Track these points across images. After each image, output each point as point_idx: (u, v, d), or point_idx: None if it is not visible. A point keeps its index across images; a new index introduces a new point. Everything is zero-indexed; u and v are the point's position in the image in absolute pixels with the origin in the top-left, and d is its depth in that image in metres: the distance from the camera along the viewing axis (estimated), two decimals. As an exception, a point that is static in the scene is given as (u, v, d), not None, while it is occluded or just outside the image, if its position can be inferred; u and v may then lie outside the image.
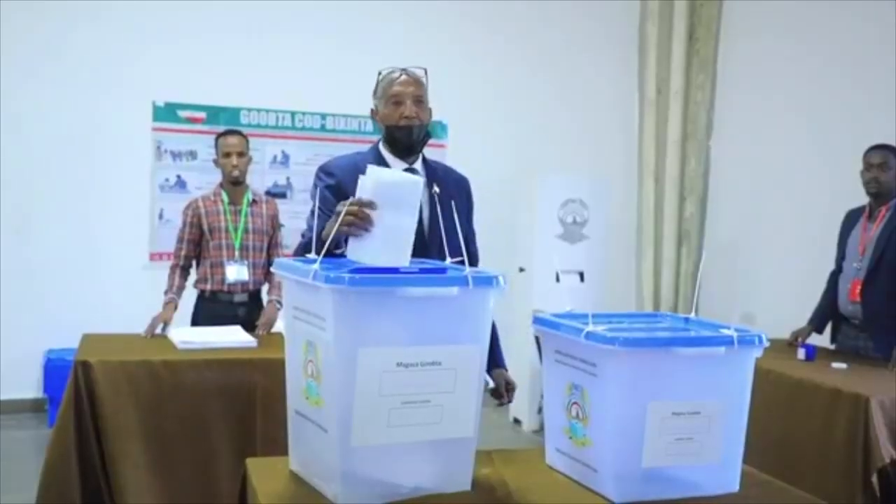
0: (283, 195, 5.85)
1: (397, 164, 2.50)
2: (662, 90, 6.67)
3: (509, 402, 2.62)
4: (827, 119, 5.44)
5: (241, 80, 5.91)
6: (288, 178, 6.08)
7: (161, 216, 5.83)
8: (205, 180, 5.72)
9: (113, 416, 3.14)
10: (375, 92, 2.53)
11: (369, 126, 6.19)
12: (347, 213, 1.93)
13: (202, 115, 5.90)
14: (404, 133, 2.47)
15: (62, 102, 5.60)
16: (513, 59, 6.48)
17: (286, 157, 6.08)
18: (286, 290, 1.97)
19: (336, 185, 2.43)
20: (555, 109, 6.58)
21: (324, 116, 6.16)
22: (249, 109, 5.99)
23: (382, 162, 2.50)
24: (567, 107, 6.62)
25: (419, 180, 1.98)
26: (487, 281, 1.79)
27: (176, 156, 5.86)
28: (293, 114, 6.10)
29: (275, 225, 4.11)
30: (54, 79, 5.58)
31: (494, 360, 2.52)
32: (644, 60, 6.74)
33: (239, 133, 4.04)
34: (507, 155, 6.38)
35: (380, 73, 2.52)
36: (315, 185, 2.48)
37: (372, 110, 2.56)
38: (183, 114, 5.87)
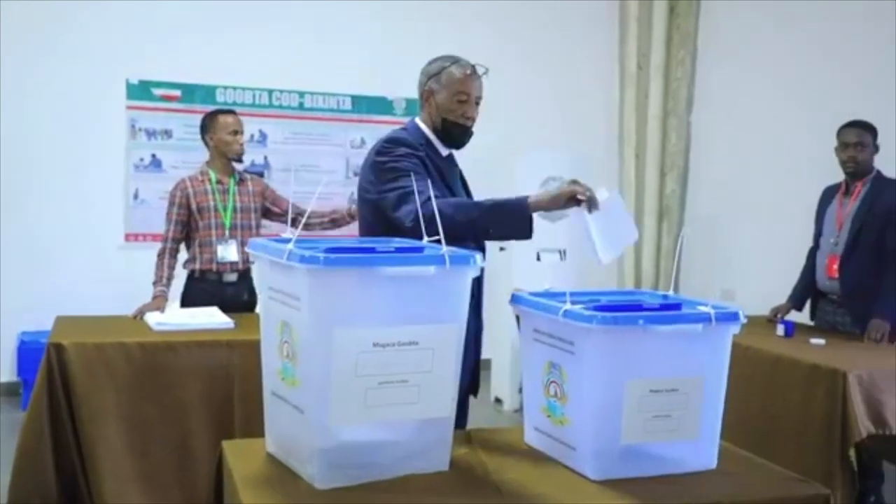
0: (260, 174, 5.81)
1: (442, 148, 2.58)
2: (643, 65, 6.65)
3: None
4: (809, 93, 5.45)
5: (218, 57, 5.84)
6: (266, 157, 6.04)
7: (136, 196, 5.78)
8: (180, 159, 5.68)
9: (87, 398, 3.12)
10: (437, 77, 2.55)
11: (347, 104, 6.16)
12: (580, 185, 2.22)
13: (177, 93, 5.84)
14: (461, 132, 2.56)
15: (34, 80, 5.52)
16: (490, 33, 6.41)
17: (264, 136, 6.03)
18: (260, 271, 1.96)
19: (423, 157, 2.46)
20: (535, 85, 6.54)
21: (302, 94, 6.11)
22: (226, 87, 5.93)
23: (428, 142, 2.55)
24: (547, 82, 6.59)
25: (615, 193, 2.25)
26: (464, 259, 1.79)
27: (151, 134, 5.81)
28: (271, 92, 6.04)
29: (271, 196, 4.10)
30: (26, 56, 5.50)
31: None
32: (625, 35, 6.72)
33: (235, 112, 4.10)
34: (486, 131, 6.22)
35: (446, 61, 2.55)
36: (398, 155, 2.42)
37: (426, 91, 2.58)
38: (157, 92, 5.80)
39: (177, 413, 3.22)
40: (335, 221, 4.11)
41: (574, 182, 2.19)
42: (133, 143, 5.78)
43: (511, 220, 2.25)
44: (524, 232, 2.25)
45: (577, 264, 5.75)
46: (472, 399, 2.63)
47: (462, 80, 2.54)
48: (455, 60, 2.57)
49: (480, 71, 2.57)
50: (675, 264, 2.25)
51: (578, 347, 1.84)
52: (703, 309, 1.90)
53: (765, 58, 5.85)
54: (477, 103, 2.58)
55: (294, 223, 3.95)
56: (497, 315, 5.50)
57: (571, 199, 2.20)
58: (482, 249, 2.38)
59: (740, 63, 6.08)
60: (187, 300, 3.93)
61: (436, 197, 2.10)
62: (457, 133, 2.56)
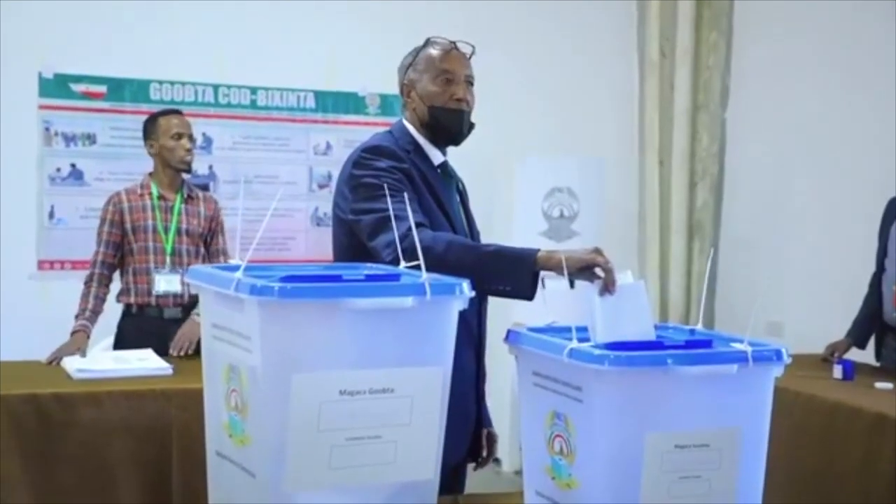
0: (204, 187, 5.82)
1: (434, 154, 2.61)
2: (667, 51, 6.70)
3: (487, 459, 2.71)
4: (872, 83, 5.44)
5: (151, 45, 5.84)
6: (210, 167, 6.05)
7: (51, 215, 5.77)
8: (106, 170, 5.68)
9: (-11, 463, 3.12)
10: (413, 65, 2.62)
11: (310, 102, 6.19)
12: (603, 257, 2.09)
13: (102, 89, 5.84)
14: (454, 118, 2.58)
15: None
16: (481, 15, 6.42)
17: (208, 140, 6.04)
18: (203, 305, 1.98)
19: (408, 170, 2.48)
20: (537, 77, 6.57)
21: (255, 90, 6.13)
22: (161, 82, 5.94)
23: (417, 148, 2.59)
24: (552, 73, 6.62)
25: (640, 284, 2.12)
26: (449, 289, 1.80)
27: (69, 140, 5.80)
28: (216, 87, 6.06)
29: (214, 228, 4.12)
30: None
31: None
32: (644, 14, 6.77)
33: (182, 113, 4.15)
34: (479, 134, 6.30)
35: (421, 46, 2.63)
36: (378, 169, 2.45)
37: (406, 85, 2.64)
38: (77, 88, 5.81)
39: (101, 479, 3.22)
40: None
41: (596, 251, 2.14)
42: (48, 150, 5.77)
43: (513, 272, 2.23)
44: (525, 290, 2.23)
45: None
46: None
47: (441, 56, 2.60)
48: (429, 41, 2.64)
49: (465, 49, 2.62)
50: (705, 292, 2.25)
51: (587, 394, 1.85)
52: (737, 346, 1.91)
53: (816, 40, 5.84)
54: (469, 83, 2.62)
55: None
56: (493, 355, 5.51)
57: (587, 268, 2.13)
58: None
59: (786, 46, 6.09)
60: (123, 341, 3.94)
61: (419, 226, 2.07)
62: (449, 120, 2.59)
